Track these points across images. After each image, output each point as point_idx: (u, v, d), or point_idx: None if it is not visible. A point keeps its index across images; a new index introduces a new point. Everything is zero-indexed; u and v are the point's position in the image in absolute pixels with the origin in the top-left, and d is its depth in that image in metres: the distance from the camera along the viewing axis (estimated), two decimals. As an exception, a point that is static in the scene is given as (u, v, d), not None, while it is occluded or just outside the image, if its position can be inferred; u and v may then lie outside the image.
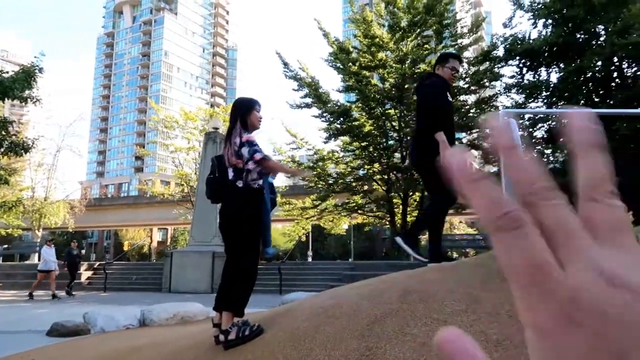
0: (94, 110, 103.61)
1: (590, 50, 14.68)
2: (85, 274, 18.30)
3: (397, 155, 20.25)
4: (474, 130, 18.91)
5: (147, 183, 51.29)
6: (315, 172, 20.53)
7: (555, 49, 15.63)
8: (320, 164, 20.85)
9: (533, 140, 17.01)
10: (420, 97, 4.29)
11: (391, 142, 20.48)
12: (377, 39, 19.09)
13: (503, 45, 17.09)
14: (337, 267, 17.92)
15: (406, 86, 19.03)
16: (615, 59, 14.88)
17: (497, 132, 0.27)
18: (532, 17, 16.46)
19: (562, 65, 15.86)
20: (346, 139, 20.85)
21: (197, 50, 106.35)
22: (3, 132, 16.59)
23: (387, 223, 21.57)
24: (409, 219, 20.10)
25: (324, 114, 20.26)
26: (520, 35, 16.61)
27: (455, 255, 19.63)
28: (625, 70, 15.42)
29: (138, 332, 6.48)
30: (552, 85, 16.29)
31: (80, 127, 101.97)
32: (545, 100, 16.59)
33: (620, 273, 0.22)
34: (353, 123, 19.91)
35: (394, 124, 19.93)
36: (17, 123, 20.90)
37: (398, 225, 19.97)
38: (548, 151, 17.04)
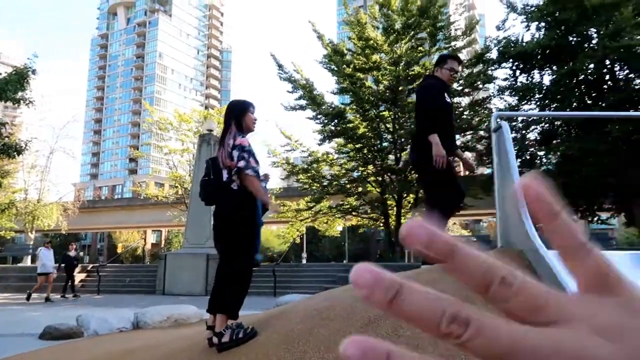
0: (88, 112, 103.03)
1: (583, 53, 14.79)
2: (78, 277, 18.16)
3: (391, 157, 20.30)
4: (467, 132, 19.02)
5: (141, 185, 51.14)
6: (309, 174, 20.56)
7: (548, 51, 15.74)
8: (315, 165, 20.87)
9: (526, 143, 17.10)
10: (418, 99, 4.32)
11: (385, 144, 20.53)
12: (371, 41, 19.15)
13: (496, 47, 17.19)
14: (331, 269, 17.91)
15: (400, 88, 19.10)
16: (607, 62, 15.01)
17: (538, 196, 0.25)
18: (525, 20, 16.58)
19: (554, 68, 15.97)
20: (340, 140, 20.88)
21: (192, 52, 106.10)
22: (-4, 134, 16.51)
23: (382, 225, 21.60)
24: (403, 220, 20.14)
25: (319, 116, 20.28)
26: (513, 38, 16.73)
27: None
28: (617, 72, 15.56)
29: (132, 335, 6.46)
30: (545, 88, 16.40)
31: (73, 128, 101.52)
32: (538, 103, 16.70)
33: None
34: (347, 125, 19.95)
35: (388, 126, 19.98)
36: (10, 125, 20.75)
37: (392, 226, 20.01)
38: (541, 153, 17.15)
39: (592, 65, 14.95)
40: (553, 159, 16.39)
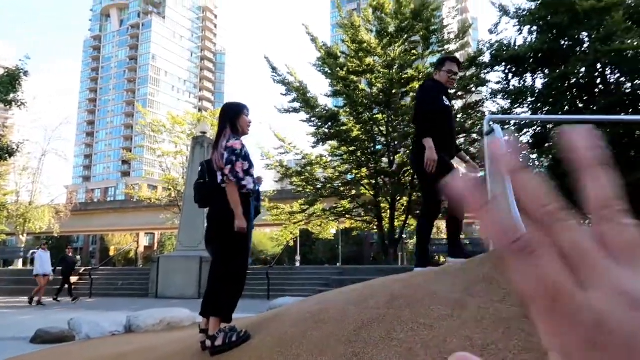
0: (81, 114, 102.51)
1: (575, 57, 14.91)
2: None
3: (385, 160, 20.34)
4: (460, 135, 19.07)
5: (134, 187, 50.79)
6: (303, 177, 20.55)
7: (540, 55, 15.85)
8: (309, 168, 20.86)
9: (519, 145, 17.18)
10: (417, 101, 4.35)
11: (379, 146, 20.57)
12: (365, 44, 19.20)
13: (489, 51, 17.28)
14: (325, 272, 17.92)
15: (394, 91, 19.15)
16: (599, 66, 15.13)
17: (502, 155, 0.26)
18: (517, 23, 16.68)
19: (547, 71, 16.08)
20: (334, 143, 20.89)
21: (185, 54, 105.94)
22: (-13, 136, 16.39)
23: (375, 228, 21.61)
24: (396, 223, 20.17)
25: (312, 119, 20.30)
26: (506, 42, 16.82)
27: (442, 259, 19.72)
28: (608, 76, 15.69)
29: (124, 339, 6.42)
30: (537, 91, 16.51)
31: (66, 130, 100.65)
32: (530, 106, 16.80)
33: None
34: (341, 128, 19.97)
35: (381, 128, 20.03)
36: (1, 127, 20.63)
37: (385, 229, 20.04)
38: (534, 156, 17.24)
39: (583, 69, 15.08)
40: (545, 162, 16.49)
